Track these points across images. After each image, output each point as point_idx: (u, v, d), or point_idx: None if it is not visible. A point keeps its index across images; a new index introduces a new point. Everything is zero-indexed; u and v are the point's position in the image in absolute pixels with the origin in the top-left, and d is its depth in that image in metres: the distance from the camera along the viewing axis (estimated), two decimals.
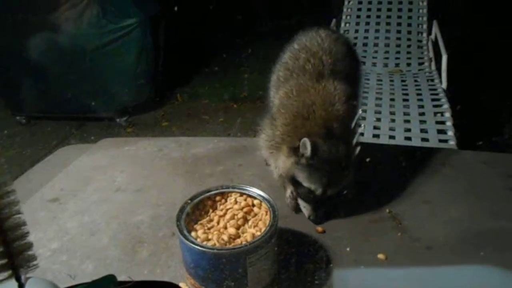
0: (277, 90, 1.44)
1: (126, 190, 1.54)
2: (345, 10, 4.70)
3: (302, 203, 1.31)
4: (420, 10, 4.57)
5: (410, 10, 4.61)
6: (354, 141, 1.32)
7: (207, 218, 1.13)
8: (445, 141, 2.83)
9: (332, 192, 1.26)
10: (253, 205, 1.16)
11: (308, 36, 1.47)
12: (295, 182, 1.29)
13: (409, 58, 4.23)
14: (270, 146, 1.40)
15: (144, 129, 4.33)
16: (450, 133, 2.90)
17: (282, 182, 1.42)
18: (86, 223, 1.38)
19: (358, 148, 1.31)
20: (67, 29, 4.08)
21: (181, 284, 1.10)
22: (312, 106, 1.29)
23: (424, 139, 2.89)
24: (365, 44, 4.44)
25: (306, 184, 1.25)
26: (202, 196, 1.15)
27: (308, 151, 1.21)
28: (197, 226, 1.09)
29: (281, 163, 1.33)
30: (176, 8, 4.35)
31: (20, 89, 4.26)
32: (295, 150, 1.27)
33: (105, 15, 4.13)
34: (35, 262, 0.67)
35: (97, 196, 1.51)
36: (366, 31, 4.54)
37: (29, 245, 0.66)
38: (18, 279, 0.66)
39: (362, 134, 2.91)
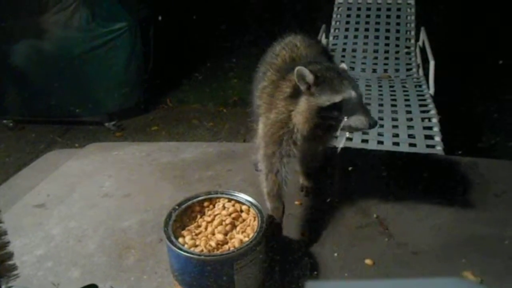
0: (257, 87, 1.42)
1: (113, 196, 1.53)
2: (334, 16, 4.74)
3: (352, 121, 1.14)
4: (408, 17, 4.63)
5: (398, 16, 4.67)
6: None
7: (195, 224, 1.13)
8: (433, 146, 2.85)
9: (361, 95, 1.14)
10: (241, 211, 1.16)
11: (285, 37, 1.49)
12: (328, 111, 1.15)
13: (398, 64, 4.28)
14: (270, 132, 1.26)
15: (133, 134, 4.30)
16: (437, 138, 2.93)
17: (274, 198, 1.31)
18: (72, 229, 1.37)
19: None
20: (56, 33, 4.05)
21: None
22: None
23: (412, 145, 2.92)
24: (354, 50, 4.48)
25: (337, 97, 1.13)
26: (190, 202, 1.15)
27: (307, 75, 1.14)
28: (185, 232, 1.09)
29: (299, 116, 1.18)
30: (165, 14, 4.34)
31: (8, 93, 4.20)
32: (293, 93, 1.18)
33: (95, 19, 4.11)
34: (15, 272, 0.65)
35: (84, 202, 1.50)
36: (355, 37, 4.59)
37: (10, 255, 0.64)
38: None
39: (350, 139, 2.93)
